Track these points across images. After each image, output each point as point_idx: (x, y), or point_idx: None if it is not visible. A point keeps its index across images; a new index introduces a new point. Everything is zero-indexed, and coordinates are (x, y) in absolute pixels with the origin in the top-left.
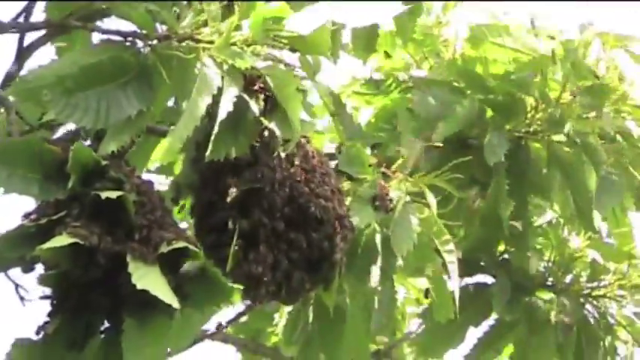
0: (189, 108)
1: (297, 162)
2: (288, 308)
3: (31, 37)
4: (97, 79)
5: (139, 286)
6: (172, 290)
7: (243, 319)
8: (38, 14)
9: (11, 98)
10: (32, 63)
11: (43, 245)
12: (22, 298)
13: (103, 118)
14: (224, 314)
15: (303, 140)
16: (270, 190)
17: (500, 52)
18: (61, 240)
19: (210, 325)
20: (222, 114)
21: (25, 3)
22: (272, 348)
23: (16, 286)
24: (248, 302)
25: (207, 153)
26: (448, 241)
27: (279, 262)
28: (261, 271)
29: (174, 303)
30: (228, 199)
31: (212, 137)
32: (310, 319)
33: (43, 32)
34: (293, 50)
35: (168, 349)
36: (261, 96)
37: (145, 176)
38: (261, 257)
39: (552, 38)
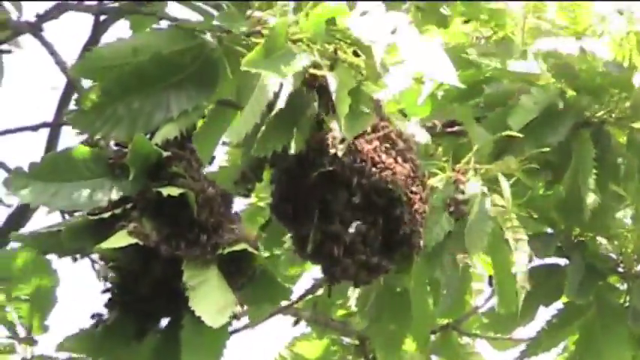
0: (257, 91)
1: (375, 144)
2: None
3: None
4: (147, 81)
5: (190, 304)
6: (231, 291)
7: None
8: None
9: None
10: (108, 37)
11: (103, 244)
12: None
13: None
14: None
15: (383, 123)
16: (348, 175)
17: None
18: (121, 240)
19: None
20: (278, 105)
21: None
22: (341, 321)
23: (92, 262)
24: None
25: (254, 146)
26: (518, 228)
27: (356, 243)
28: (338, 251)
29: (216, 323)
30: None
31: (262, 128)
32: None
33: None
34: (356, 54)
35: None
36: (323, 94)
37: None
38: (339, 237)
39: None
